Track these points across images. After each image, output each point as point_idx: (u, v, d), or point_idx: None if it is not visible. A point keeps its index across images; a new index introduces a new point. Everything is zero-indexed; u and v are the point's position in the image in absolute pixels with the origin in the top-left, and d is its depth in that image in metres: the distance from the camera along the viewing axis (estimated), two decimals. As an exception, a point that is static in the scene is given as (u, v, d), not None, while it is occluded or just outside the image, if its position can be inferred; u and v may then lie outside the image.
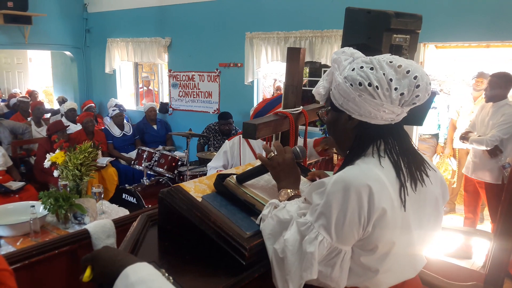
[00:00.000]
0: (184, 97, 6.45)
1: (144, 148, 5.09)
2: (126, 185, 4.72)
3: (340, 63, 1.09)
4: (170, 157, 4.88)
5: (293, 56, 1.98)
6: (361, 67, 1.03)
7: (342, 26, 2.19)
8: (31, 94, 8.52)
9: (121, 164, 5.58)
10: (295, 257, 1.00)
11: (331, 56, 4.71)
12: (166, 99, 7.01)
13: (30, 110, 6.62)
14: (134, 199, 4.45)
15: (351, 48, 1.12)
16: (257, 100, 5.72)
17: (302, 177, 1.50)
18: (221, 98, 6.02)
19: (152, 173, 4.93)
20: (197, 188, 1.43)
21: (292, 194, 1.24)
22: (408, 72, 1.00)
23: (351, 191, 0.96)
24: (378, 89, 1.01)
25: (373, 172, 1.00)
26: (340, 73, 1.07)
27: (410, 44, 2.18)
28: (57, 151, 2.99)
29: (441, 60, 4.85)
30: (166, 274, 0.89)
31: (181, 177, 4.81)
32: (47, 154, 3.09)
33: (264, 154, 1.39)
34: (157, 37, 6.38)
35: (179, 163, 4.93)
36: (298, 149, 1.36)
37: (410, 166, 1.06)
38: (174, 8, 6.22)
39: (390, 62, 1.02)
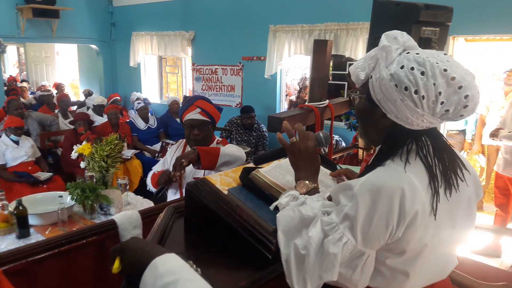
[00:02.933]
0: (207, 90, 6.48)
1: (168, 141, 5.14)
2: (150, 177, 4.78)
3: (389, 52, 0.97)
4: (193, 150, 4.90)
5: (320, 48, 1.95)
6: (412, 68, 0.93)
7: (369, 18, 2.15)
8: (58, 86, 8.73)
9: (146, 157, 5.66)
10: (317, 256, 0.96)
11: (356, 49, 4.65)
12: (189, 93, 7.05)
13: (56, 102, 6.78)
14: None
15: (405, 33, 1.00)
16: (279, 93, 5.69)
17: (322, 168, 1.48)
18: (243, 92, 6.01)
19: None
20: (223, 181, 1.43)
21: (311, 187, 1.17)
22: (460, 88, 0.91)
23: (381, 195, 0.92)
24: (423, 99, 0.92)
25: (405, 176, 0.95)
26: (386, 66, 0.98)
27: (440, 37, 2.12)
28: (84, 142, 3.04)
29: (471, 53, 4.72)
30: (194, 266, 0.89)
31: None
32: (74, 146, 3.15)
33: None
34: (181, 31, 6.42)
35: (201, 156, 4.95)
36: (322, 135, 1.26)
37: (446, 170, 1.00)
38: (198, 2, 6.24)
39: (445, 70, 0.92)
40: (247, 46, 5.76)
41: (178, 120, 6.36)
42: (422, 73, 0.92)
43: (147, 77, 7.52)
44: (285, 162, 1.46)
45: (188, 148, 2.41)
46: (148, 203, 3.40)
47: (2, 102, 5.98)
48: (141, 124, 5.98)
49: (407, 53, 0.98)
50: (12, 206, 2.66)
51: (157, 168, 2.56)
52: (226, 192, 1.33)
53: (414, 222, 0.93)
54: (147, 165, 5.50)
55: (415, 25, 2.00)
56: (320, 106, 1.91)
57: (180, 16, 6.47)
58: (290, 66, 5.83)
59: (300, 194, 1.15)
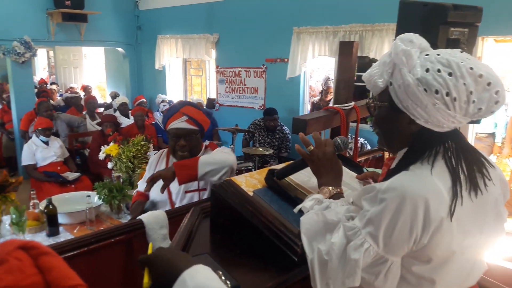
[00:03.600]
0: (230, 93, 6.52)
1: (191, 142, 5.19)
2: (174, 178, 4.84)
3: (409, 57, 0.94)
4: (216, 152, 4.94)
5: (345, 50, 1.94)
6: (438, 70, 0.91)
7: (395, 19, 2.12)
8: (85, 89, 8.94)
9: (170, 158, 5.73)
10: (339, 262, 0.96)
11: (381, 50, 4.59)
12: (213, 95, 7.11)
13: (83, 104, 6.95)
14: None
15: (417, 35, 0.98)
16: (303, 95, 5.67)
17: (348, 171, 1.47)
18: (266, 94, 6.02)
19: (199, 167, 5.01)
20: (248, 183, 1.44)
21: (334, 192, 1.17)
22: (489, 84, 0.91)
23: (406, 201, 0.89)
24: (455, 100, 0.90)
25: (430, 181, 0.93)
26: (409, 71, 0.94)
27: (469, 38, 2.07)
28: (111, 144, 3.11)
29: (501, 54, 4.59)
30: (223, 278, 0.89)
31: (227, 171, 4.86)
32: (101, 147, 3.23)
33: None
34: (206, 34, 6.48)
35: (225, 157, 4.98)
36: (339, 140, 1.25)
37: (471, 171, 0.97)
38: (222, 5, 6.28)
39: (471, 69, 0.90)
40: (271, 48, 5.77)
41: (201, 122, 6.43)
42: (450, 74, 0.90)
43: (171, 79, 7.62)
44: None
45: (172, 159, 2.21)
46: (172, 204, 3.45)
47: (33, 104, 6.16)
48: (165, 126, 6.06)
49: (426, 55, 0.96)
50: (42, 205, 2.74)
51: (140, 185, 2.39)
52: (251, 194, 1.34)
53: (440, 229, 0.91)
54: (171, 166, 5.58)
55: (443, 26, 1.96)
56: (346, 108, 1.89)
57: (204, 19, 6.54)
58: (313, 68, 5.79)
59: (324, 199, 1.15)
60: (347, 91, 1.95)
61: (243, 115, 6.22)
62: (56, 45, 9.34)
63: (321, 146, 1.23)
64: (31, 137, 4.90)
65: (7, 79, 7.41)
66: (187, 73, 7.73)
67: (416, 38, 0.97)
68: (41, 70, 12.26)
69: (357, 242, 0.94)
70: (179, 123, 2.07)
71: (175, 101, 7.26)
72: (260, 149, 4.76)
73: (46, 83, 9.63)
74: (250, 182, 1.44)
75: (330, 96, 5.84)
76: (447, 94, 0.91)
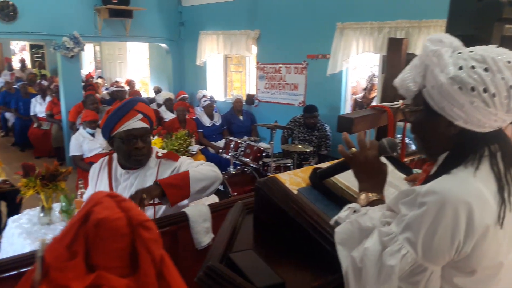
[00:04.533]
0: (270, 89, 6.51)
1: (231, 138, 5.24)
2: (213, 173, 4.91)
3: (440, 57, 0.91)
4: (255, 148, 4.96)
5: (395, 47, 1.89)
6: (473, 67, 0.87)
7: (444, 15, 2.04)
8: (130, 83, 9.21)
9: (210, 152, 5.82)
10: (374, 269, 0.91)
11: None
12: (252, 91, 7.14)
13: (127, 98, 7.15)
14: (222, 186, 4.61)
15: (448, 35, 0.95)
16: (344, 92, 5.58)
17: (396, 172, 1.43)
18: (307, 91, 5.97)
19: (237, 162, 5.06)
20: (292, 180, 1.44)
21: (373, 199, 1.12)
22: None
23: (446, 206, 0.85)
24: (495, 96, 0.86)
25: (473, 186, 0.88)
26: (442, 70, 0.90)
27: (525, 36, 1.97)
28: (155, 137, 3.19)
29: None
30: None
31: (265, 167, 4.87)
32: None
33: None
34: (247, 30, 6.50)
35: (263, 154, 4.99)
36: (385, 142, 1.16)
37: None
38: (264, 1, 6.28)
39: (509, 62, 0.86)
40: (312, 44, 5.70)
41: (241, 118, 6.47)
42: (486, 70, 0.86)
43: (212, 75, 7.71)
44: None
45: (117, 168, 1.93)
46: (213, 198, 3.49)
47: (80, 97, 6.42)
48: (206, 121, 6.15)
49: (458, 53, 0.91)
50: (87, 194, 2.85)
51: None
52: (295, 192, 1.33)
53: (485, 237, 0.86)
54: (211, 161, 5.62)
55: (497, 22, 1.87)
56: (393, 106, 1.84)
57: (246, 15, 6.56)
58: (356, 65, 5.68)
59: (362, 206, 1.11)
60: (395, 89, 1.89)
61: (282, 112, 6.20)
62: (102, 40, 9.68)
63: (364, 149, 1.17)
64: (78, 129, 5.10)
65: (56, 72, 7.75)
66: (228, 69, 7.79)
67: (446, 38, 0.94)
68: (87, 64, 12.74)
69: (393, 248, 0.90)
70: (135, 123, 1.79)
71: (215, 96, 7.35)
72: (299, 146, 4.74)
73: (92, 77, 10.00)
74: (294, 180, 1.44)
75: (374, 94, 5.70)
76: (485, 90, 0.86)
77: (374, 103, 5.64)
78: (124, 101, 1.89)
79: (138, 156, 1.84)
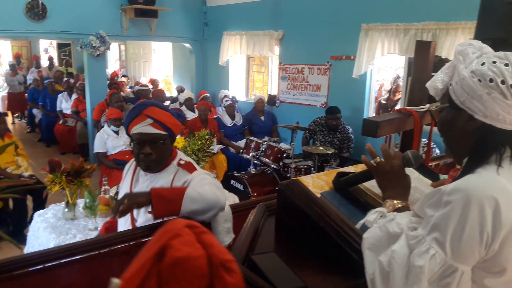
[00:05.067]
0: (292, 89, 6.49)
1: (252, 138, 5.24)
2: (234, 172, 4.93)
3: (466, 55, 0.96)
4: (276, 149, 4.95)
5: (423, 50, 1.85)
6: (494, 62, 0.91)
7: (473, 17, 2.00)
8: (153, 82, 9.34)
9: (230, 152, 5.83)
10: (402, 272, 0.90)
11: (454, 50, 4.32)
12: (274, 92, 7.13)
13: (151, 97, 7.25)
14: (242, 186, 4.62)
15: (479, 41, 0.99)
16: (368, 94, 5.51)
17: (423, 178, 1.40)
18: (330, 92, 5.92)
19: (258, 162, 5.06)
20: (315, 184, 1.42)
21: (399, 206, 1.12)
22: None
23: (472, 203, 0.84)
24: None
25: (498, 182, 0.88)
26: (465, 66, 0.95)
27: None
28: (178, 136, 3.21)
29: None
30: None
31: (286, 169, 4.86)
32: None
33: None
34: (270, 30, 6.48)
35: (284, 155, 4.98)
36: (410, 154, 1.17)
37: None
38: (288, 1, 6.26)
39: None
40: (336, 45, 5.65)
41: (262, 118, 6.47)
42: (506, 65, 0.90)
43: (234, 75, 7.73)
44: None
45: (139, 172, 1.91)
46: (233, 197, 3.51)
47: (105, 95, 6.53)
48: (227, 121, 6.17)
49: (485, 54, 0.96)
50: (113, 191, 2.90)
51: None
52: (318, 195, 1.32)
53: None
54: (232, 160, 5.68)
55: (528, 25, 1.82)
56: (420, 110, 1.80)
57: (270, 16, 6.55)
58: (380, 66, 5.60)
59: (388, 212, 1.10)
60: (422, 92, 1.86)
61: (304, 113, 6.17)
62: (128, 40, 9.83)
63: (389, 159, 1.18)
64: (103, 126, 5.19)
65: (82, 70, 7.91)
66: (250, 69, 7.80)
67: (476, 42, 0.99)
68: (112, 63, 12.97)
69: (421, 249, 0.89)
70: (143, 127, 1.75)
71: (237, 96, 7.37)
72: (321, 148, 4.69)
73: (117, 76, 10.17)
74: (317, 183, 1.42)
75: (399, 96, 5.62)
76: (503, 82, 0.89)
77: (398, 106, 5.56)
78: (136, 104, 1.88)
79: (145, 162, 1.79)
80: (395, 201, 1.13)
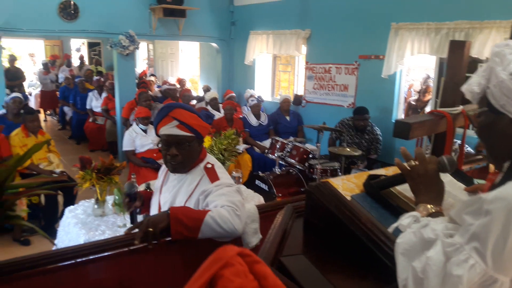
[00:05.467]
0: (318, 89, 6.43)
1: (277, 138, 5.23)
2: (259, 172, 4.93)
3: (503, 57, 0.92)
4: (302, 149, 4.92)
5: (456, 50, 1.80)
6: None
7: (509, 16, 1.93)
8: (181, 81, 9.45)
9: (255, 152, 5.84)
10: (438, 280, 0.87)
11: (489, 50, 4.19)
12: (300, 91, 7.09)
13: (178, 96, 7.34)
14: (266, 186, 4.62)
15: None
16: (397, 95, 5.40)
17: (456, 182, 1.36)
18: (357, 92, 5.84)
19: (283, 163, 5.04)
20: (345, 186, 1.40)
21: (433, 211, 1.09)
22: None
23: None
24: None
25: None
26: (503, 69, 0.91)
27: None
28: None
29: None
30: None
31: (311, 170, 4.82)
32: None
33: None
34: (297, 29, 6.45)
35: (310, 155, 4.94)
36: (445, 160, 1.15)
37: None
38: (316, 0, 6.21)
39: None
40: (365, 45, 5.57)
41: (288, 118, 6.45)
42: None
43: (260, 74, 7.73)
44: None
45: (168, 173, 1.96)
46: (258, 197, 3.50)
47: (133, 94, 6.65)
48: (253, 120, 6.18)
49: None
50: (141, 188, 2.94)
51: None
52: (348, 198, 1.30)
53: None
54: (257, 160, 5.68)
55: None
56: (453, 112, 1.75)
57: (297, 15, 6.52)
58: (409, 66, 5.48)
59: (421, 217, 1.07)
60: (455, 94, 1.81)
61: (330, 113, 6.11)
62: (156, 39, 9.98)
63: (423, 163, 1.16)
64: (132, 125, 5.29)
65: (111, 69, 8.06)
66: (276, 68, 7.79)
67: None
68: (140, 62, 13.19)
69: (460, 257, 0.85)
70: (169, 129, 1.78)
71: (263, 96, 7.37)
72: (348, 149, 4.63)
73: (146, 75, 10.34)
74: (347, 186, 1.40)
75: (429, 96, 5.49)
76: None
77: (428, 107, 5.43)
78: (164, 105, 1.90)
79: (171, 163, 1.82)
80: (429, 206, 1.11)
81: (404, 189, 1.31)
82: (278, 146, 5.05)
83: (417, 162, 1.17)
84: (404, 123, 1.55)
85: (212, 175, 1.83)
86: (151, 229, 1.52)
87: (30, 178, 1.16)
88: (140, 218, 2.50)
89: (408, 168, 1.18)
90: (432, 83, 5.26)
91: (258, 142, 6.02)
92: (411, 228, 1.02)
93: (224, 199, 1.68)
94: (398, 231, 1.05)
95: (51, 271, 1.39)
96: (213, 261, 0.60)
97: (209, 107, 6.75)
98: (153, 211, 1.97)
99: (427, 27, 4.65)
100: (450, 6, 4.52)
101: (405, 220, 1.07)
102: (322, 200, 1.29)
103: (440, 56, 4.65)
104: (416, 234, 0.98)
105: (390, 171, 1.49)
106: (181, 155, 1.79)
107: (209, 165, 1.87)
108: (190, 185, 1.84)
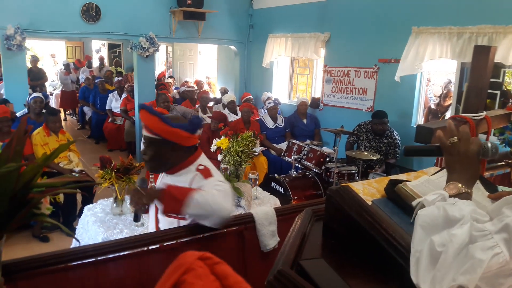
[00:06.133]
0: (336, 92, 6.40)
1: (294, 141, 5.22)
2: (275, 175, 4.92)
3: None
4: (319, 153, 4.90)
5: (481, 55, 1.77)
6: None
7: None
8: (198, 83, 9.51)
9: (271, 154, 5.84)
10: (457, 258, 0.87)
11: (509, 54, 4.10)
12: (317, 95, 7.06)
13: (196, 98, 7.39)
14: (282, 189, 4.61)
15: None
16: (418, 99, 5.33)
17: (480, 187, 1.33)
18: (376, 96, 5.79)
19: (299, 165, 5.02)
20: (366, 191, 1.39)
21: (464, 191, 1.06)
22: None
23: None
24: None
25: None
26: None
27: None
28: (222, 137, 3.25)
29: None
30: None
31: (328, 173, 4.80)
32: (213, 139, 3.40)
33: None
34: (316, 32, 6.43)
35: (327, 159, 4.92)
36: (490, 145, 1.11)
37: None
38: (335, 3, 6.19)
39: None
40: (385, 48, 5.52)
41: (304, 121, 6.43)
42: None
43: (278, 77, 7.73)
44: (435, 177, 1.36)
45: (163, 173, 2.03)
46: (274, 200, 3.50)
47: (152, 95, 6.73)
48: (269, 123, 6.18)
49: None
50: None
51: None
52: (369, 203, 1.29)
53: None
54: (272, 163, 5.68)
55: None
56: (476, 118, 1.72)
57: (316, 18, 6.50)
58: (430, 70, 5.41)
59: (450, 195, 1.05)
60: (478, 99, 1.78)
61: (348, 117, 6.07)
62: (175, 42, 10.07)
63: (466, 142, 1.11)
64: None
65: (130, 70, 8.15)
66: (294, 71, 7.78)
67: None
68: (159, 64, 13.33)
69: (487, 243, 0.85)
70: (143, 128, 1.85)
71: (280, 99, 7.36)
72: (366, 153, 4.59)
73: (164, 76, 10.45)
74: (368, 190, 1.39)
75: (449, 101, 5.40)
76: None
77: (449, 112, 5.34)
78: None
79: (143, 160, 1.90)
80: (459, 185, 1.08)
81: (423, 193, 1.29)
82: (294, 149, 5.04)
83: (459, 139, 1.13)
84: (426, 128, 1.53)
85: (206, 173, 1.85)
86: (144, 199, 1.66)
87: (55, 178, 1.19)
88: (144, 216, 2.54)
89: (449, 143, 1.14)
90: (453, 88, 5.18)
91: (274, 145, 6.01)
92: (435, 204, 1.01)
93: (216, 188, 1.72)
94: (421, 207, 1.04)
95: (73, 268, 1.41)
96: (175, 268, 0.62)
97: (225, 111, 6.78)
98: (151, 210, 2.01)
99: (449, 31, 4.58)
100: (473, 10, 4.45)
101: (431, 196, 1.05)
102: (342, 204, 1.28)
103: (462, 60, 4.57)
104: (440, 209, 0.97)
105: (411, 176, 1.47)
106: (148, 155, 1.83)
107: (201, 167, 1.88)
108: (183, 183, 1.86)
